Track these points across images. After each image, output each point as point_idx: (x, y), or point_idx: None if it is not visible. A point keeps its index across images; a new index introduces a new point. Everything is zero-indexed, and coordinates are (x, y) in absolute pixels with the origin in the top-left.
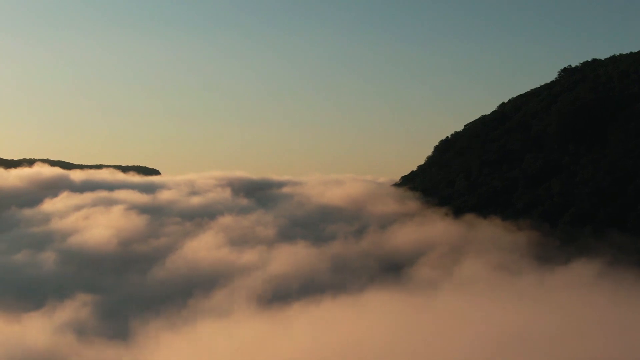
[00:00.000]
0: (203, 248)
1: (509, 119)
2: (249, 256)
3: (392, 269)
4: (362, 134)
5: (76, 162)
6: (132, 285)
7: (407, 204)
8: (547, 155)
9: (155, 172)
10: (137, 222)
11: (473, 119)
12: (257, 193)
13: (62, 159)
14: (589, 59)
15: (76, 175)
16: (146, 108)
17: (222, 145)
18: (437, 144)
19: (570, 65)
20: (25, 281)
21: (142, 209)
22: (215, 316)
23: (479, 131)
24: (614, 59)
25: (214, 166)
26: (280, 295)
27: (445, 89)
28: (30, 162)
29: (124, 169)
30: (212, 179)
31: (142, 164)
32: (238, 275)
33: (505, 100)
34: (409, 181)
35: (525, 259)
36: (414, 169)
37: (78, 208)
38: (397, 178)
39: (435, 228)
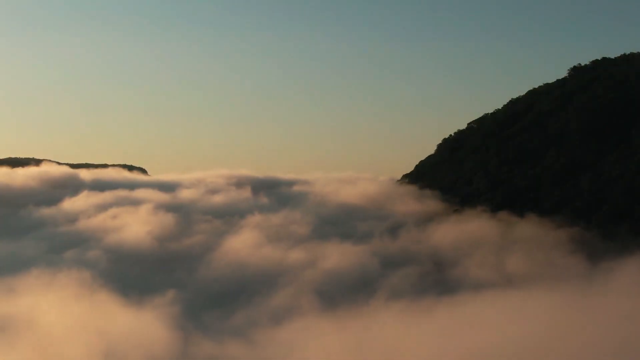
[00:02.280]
0: (245, 246)
1: (521, 116)
2: (295, 254)
3: (443, 268)
4: (358, 133)
5: (62, 161)
6: (192, 283)
7: (427, 203)
8: (569, 154)
9: (142, 171)
10: (169, 220)
11: (472, 117)
12: (271, 191)
13: (48, 158)
14: (598, 58)
15: (85, 175)
16: (129, 106)
17: (212, 143)
18: (440, 142)
19: (580, 64)
20: (92, 279)
21: (169, 208)
22: (300, 314)
23: (492, 129)
24: (625, 58)
25: (205, 165)
26: (350, 292)
27: (440, 87)
28: (37, 162)
29: (95, 167)
30: (221, 178)
31: (128, 163)
32: (293, 273)
33: (505, 99)
34: (419, 179)
35: (572, 257)
36: (411, 166)
37: (102, 207)
38: (396, 175)
39: (474, 226)
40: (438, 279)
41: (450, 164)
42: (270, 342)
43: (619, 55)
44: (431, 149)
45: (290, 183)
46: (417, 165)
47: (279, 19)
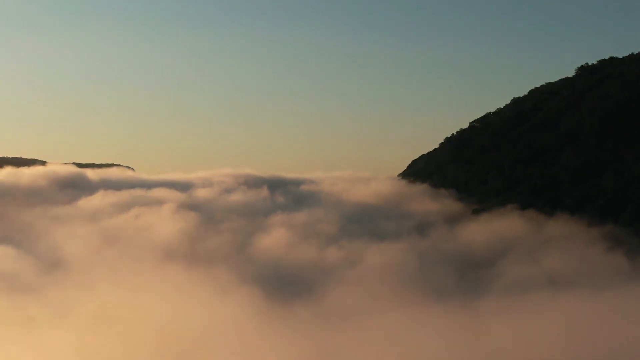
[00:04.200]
0: (280, 244)
1: (530, 116)
2: (334, 253)
3: (484, 266)
4: (351, 132)
5: (50, 160)
6: (241, 280)
7: (444, 202)
8: (585, 152)
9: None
10: (195, 219)
11: (462, 116)
12: (284, 190)
13: (35, 157)
14: (606, 57)
15: (92, 174)
16: (117, 106)
17: (200, 143)
18: (443, 140)
19: (587, 63)
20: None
21: (191, 207)
22: (364, 310)
23: (499, 128)
24: (633, 57)
25: (193, 164)
26: (403, 290)
27: (432, 87)
28: (42, 162)
29: (99, 167)
30: (228, 177)
31: (116, 162)
32: (339, 271)
33: (498, 98)
34: (427, 178)
35: (611, 254)
36: (403, 164)
37: (123, 206)
38: (392, 173)
39: (505, 225)
40: (483, 278)
41: (459, 163)
42: (351, 336)
43: (618, 54)
44: (423, 148)
45: (297, 182)
46: (413, 164)
47: (279, 19)
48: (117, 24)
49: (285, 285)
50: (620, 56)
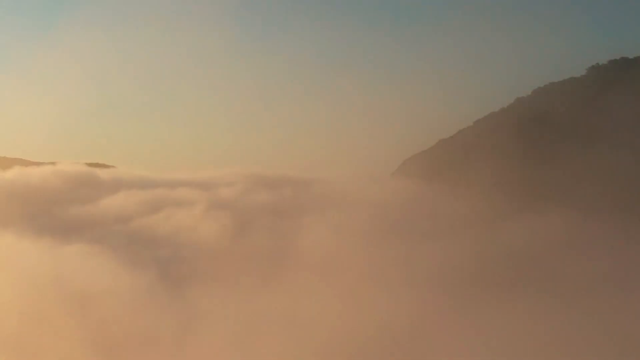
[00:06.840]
0: (333, 243)
1: (541, 115)
2: (386, 252)
3: (537, 266)
4: (347, 131)
5: (33, 159)
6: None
7: (466, 201)
8: (606, 153)
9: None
10: (231, 219)
11: (472, 116)
12: (302, 189)
13: (19, 156)
14: (617, 57)
15: (103, 173)
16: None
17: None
18: (446, 138)
19: (598, 64)
20: None
21: (221, 206)
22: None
23: (507, 128)
24: None
25: (197, 163)
26: (470, 287)
27: (429, 86)
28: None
29: (103, 167)
30: (241, 176)
31: (101, 161)
32: (402, 270)
33: (510, 98)
34: (435, 177)
35: None
36: (395, 164)
37: (151, 206)
38: (387, 173)
39: (543, 224)
40: (537, 277)
41: (467, 162)
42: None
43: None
44: (416, 147)
45: (308, 181)
46: (408, 163)
47: (280, 22)
48: (122, 24)
49: (350, 284)
50: (631, 56)
